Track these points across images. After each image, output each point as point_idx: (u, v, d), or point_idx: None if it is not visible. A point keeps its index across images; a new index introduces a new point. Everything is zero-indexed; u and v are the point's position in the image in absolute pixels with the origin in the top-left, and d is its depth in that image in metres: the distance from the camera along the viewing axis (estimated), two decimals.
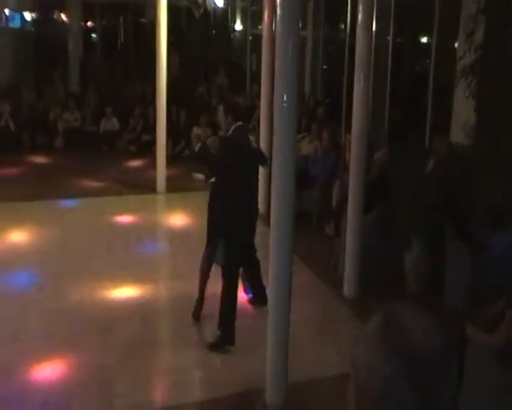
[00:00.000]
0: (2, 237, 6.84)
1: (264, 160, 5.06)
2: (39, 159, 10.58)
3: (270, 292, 4.06)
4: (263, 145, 7.95)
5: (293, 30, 3.85)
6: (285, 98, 3.81)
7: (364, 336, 1.05)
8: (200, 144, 4.81)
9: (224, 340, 4.59)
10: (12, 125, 11.16)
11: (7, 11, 14.82)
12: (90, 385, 4.18)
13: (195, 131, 5.31)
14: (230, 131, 4.76)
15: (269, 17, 7.89)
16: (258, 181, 5.41)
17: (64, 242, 6.76)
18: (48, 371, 4.36)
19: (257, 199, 5.14)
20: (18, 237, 6.91)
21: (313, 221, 7.26)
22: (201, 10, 11.55)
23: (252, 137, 5.00)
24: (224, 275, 4.66)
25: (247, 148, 4.78)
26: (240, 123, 4.78)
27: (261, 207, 7.84)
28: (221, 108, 11.50)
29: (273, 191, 3.95)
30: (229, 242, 4.69)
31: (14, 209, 7.83)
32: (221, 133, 5.98)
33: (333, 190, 6.96)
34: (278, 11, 3.83)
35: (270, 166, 4.57)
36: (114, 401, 4.03)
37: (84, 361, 4.44)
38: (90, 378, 4.25)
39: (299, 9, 3.96)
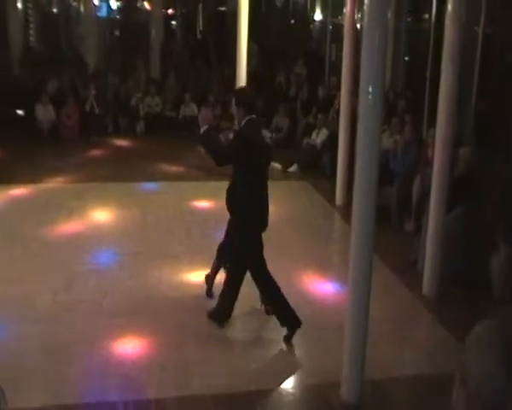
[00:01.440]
0: (87, 216, 7.18)
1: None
2: (122, 142, 11.00)
3: (349, 289, 4.02)
4: (343, 137, 7.87)
5: (382, 20, 3.77)
6: (370, 91, 3.74)
7: (476, 340, 1.00)
8: (206, 127, 4.50)
9: (219, 317, 4.78)
10: (97, 109, 11.64)
11: (95, 1, 15.39)
12: (167, 364, 4.33)
13: (203, 111, 4.82)
14: (242, 123, 4.50)
15: (351, 7, 7.75)
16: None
17: (144, 223, 7.01)
18: (128, 346, 4.55)
19: (267, 194, 4.73)
20: (101, 216, 7.23)
21: (392, 217, 7.12)
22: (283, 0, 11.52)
23: (266, 132, 4.71)
24: (227, 271, 4.76)
25: (259, 142, 4.49)
26: (252, 116, 4.51)
27: (339, 199, 7.81)
28: (299, 101, 11.52)
29: (356, 187, 3.90)
30: (235, 237, 4.67)
31: (97, 189, 8.20)
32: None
33: (413, 185, 6.79)
34: (366, 0, 3.76)
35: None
36: (191, 381, 4.16)
37: (163, 341, 4.60)
38: (168, 357, 4.40)
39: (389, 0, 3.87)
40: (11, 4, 14.75)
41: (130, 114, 11.74)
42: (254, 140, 4.46)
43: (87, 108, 11.49)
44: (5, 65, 13.45)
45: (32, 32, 16.61)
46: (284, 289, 5.38)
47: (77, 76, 12.69)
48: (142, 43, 16.06)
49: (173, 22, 19.62)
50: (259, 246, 4.70)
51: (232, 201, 4.69)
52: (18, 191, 8.02)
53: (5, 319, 4.80)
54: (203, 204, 7.77)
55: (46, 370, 4.22)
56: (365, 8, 3.78)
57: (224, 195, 8.07)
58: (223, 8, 19.56)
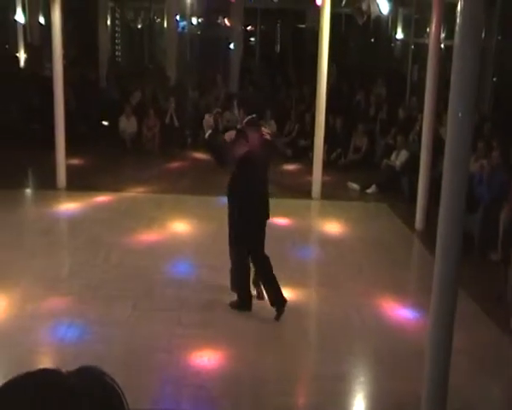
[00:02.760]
0: (166, 226, 7.43)
1: (276, 151, 5.27)
2: (201, 155, 11.30)
3: (430, 318, 3.92)
4: (424, 160, 7.73)
5: (475, 41, 3.65)
6: (460, 116, 3.65)
7: None
8: (210, 131, 5.00)
9: (241, 306, 5.22)
10: (176, 122, 12.05)
11: (177, 17, 16.00)
12: (243, 378, 4.39)
13: (207, 117, 5.24)
14: (243, 123, 4.99)
15: (437, 26, 7.60)
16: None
17: (221, 238, 7.05)
18: (204, 357, 4.65)
19: (267, 191, 5.19)
20: (179, 227, 7.46)
21: (476, 245, 6.89)
22: (365, 18, 11.51)
23: (265, 129, 5.13)
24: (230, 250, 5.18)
25: (258, 139, 4.95)
26: (251, 116, 4.97)
27: (419, 224, 7.65)
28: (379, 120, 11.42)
29: (441, 213, 3.81)
30: (230, 225, 5.14)
31: (176, 201, 8.49)
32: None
33: (500, 213, 6.54)
34: (458, 20, 3.66)
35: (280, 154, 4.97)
36: (265, 399, 4.19)
37: (240, 354, 4.67)
38: (244, 372, 4.46)
39: (483, 18, 3.76)
40: (102, 22, 15.66)
41: None
42: (252, 136, 4.92)
43: (167, 120, 11.92)
44: (94, 79, 14.25)
45: (118, 47, 17.52)
46: (358, 312, 5.36)
47: (158, 89, 13.22)
48: (221, 58, 16.53)
49: (252, 39, 20.03)
50: (253, 234, 5.15)
51: (231, 192, 5.17)
52: (102, 198, 8.44)
53: (89, 322, 5.03)
54: (279, 221, 7.82)
55: (124, 374, 4.37)
56: (457, 27, 3.71)
57: (301, 212, 8.23)
58: (302, 26, 19.77)
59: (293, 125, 11.73)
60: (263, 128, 5.22)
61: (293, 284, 5.87)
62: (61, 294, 5.51)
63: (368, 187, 9.27)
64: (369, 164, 10.15)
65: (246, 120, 5.01)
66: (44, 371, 0.85)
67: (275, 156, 5.46)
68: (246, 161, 4.92)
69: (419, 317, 5.28)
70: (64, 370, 0.85)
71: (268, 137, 5.11)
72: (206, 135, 5.06)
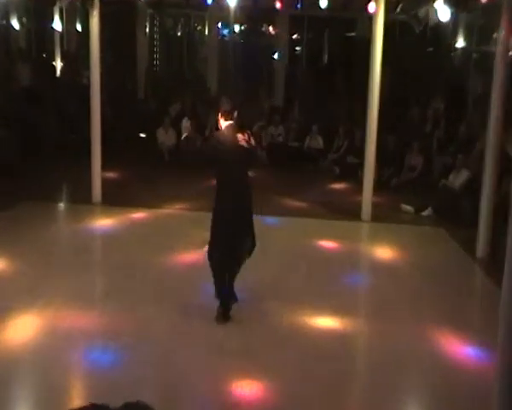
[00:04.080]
0: (205, 246, 7.47)
1: (252, 157, 5.90)
2: None
3: (498, 358, 3.80)
4: (487, 181, 7.57)
5: None
6: None
7: None
8: (186, 135, 5.76)
9: (224, 310, 5.62)
10: None
11: (219, 24, 16.24)
12: None
13: (185, 123, 6.13)
14: (222, 128, 5.70)
15: (507, 32, 7.44)
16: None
17: (263, 259, 7.13)
18: (246, 388, 4.63)
19: (248, 194, 5.77)
20: None
21: None
22: (422, 25, 11.45)
23: (240, 135, 5.64)
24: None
25: (232, 143, 5.58)
26: (229, 122, 5.70)
27: (480, 251, 7.49)
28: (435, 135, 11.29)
29: (511, 239, 3.72)
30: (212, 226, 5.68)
31: None
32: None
33: None
34: None
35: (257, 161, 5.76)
36: None
37: (284, 388, 4.64)
38: (285, 407, 4.43)
39: None
40: (140, 30, 16.07)
41: None
42: (226, 142, 5.59)
43: (206, 133, 12.09)
44: (132, 89, 14.62)
45: (156, 56, 17.92)
46: (413, 347, 5.25)
47: (198, 101, 13.44)
48: (265, 68, 16.70)
49: (298, 48, 20.14)
50: (221, 234, 5.65)
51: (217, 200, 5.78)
52: (138, 215, 8.61)
53: (124, 346, 5.10)
54: (328, 244, 7.81)
55: (162, 402, 4.41)
56: None
57: (350, 235, 8.19)
58: (351, 34, 19.78)
59: (342, 141, 11.73)
60: (239, 135, 5.70)
61: (340, 313, 5.84)
62: (95, 315, 5.62)
63: (423, 209, 9.15)
64: (425, 184, 10.01)
65: (225, 125, 5.69)
66: (94, 406, 0.89)
67: (251, 163, 5.93)
68: (217, 165, 5.61)
69: (483, 356, 5.15)
70: (112, 405, 0.89)
71: (244, 143, 5.65)
72: (182, 138, 5.77)
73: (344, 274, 6.91)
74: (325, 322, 5.70)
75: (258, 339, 5.31)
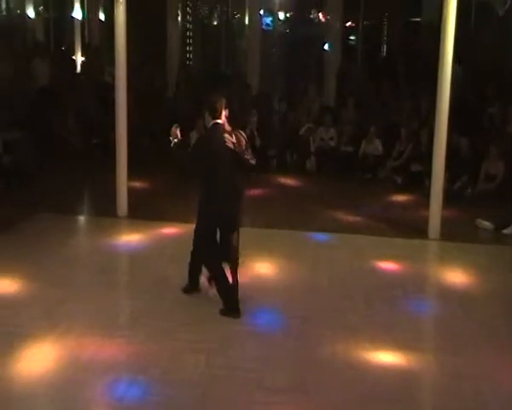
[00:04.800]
0: (246, 266, 7.50)
1: (242, 161, 6.10)
2: (287, 181, 11.47)
3: None
4: None
5: None
6: None
7: None
8: (176, 140, 6.18)
9: (228, 311, 6.25)
10: (258, 140, 12.27)
11: (261, 12, 16.30)
12: None
13: (173, 129, 6.33)
14: (208, 127, 6.12)
15: None
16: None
17: (314, 282, 7.18)
18: None
19: (228, 193, 6.19)
20: (262, 268, 7.56)
21: None
22: (508, 5, 11.24)
23: (228, 137, 6.01)
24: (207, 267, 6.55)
25: (220, 144, 5.97)
26: (217, 121, 6.06)
27: None
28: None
29: None
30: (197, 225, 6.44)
31: (258, 236, 8.58)
32: None
33: None
34: None
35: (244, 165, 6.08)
36: None
37: None
38: None
39: None
40: (171, 19, 16.29)
41: (298, 147, 12.21)
42: (214, 143, 6.00)
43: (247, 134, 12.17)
44: (162, 86, 14.83)
45: (189, 48, 18.16)
46: (492, 389, 5.15)
47: (237, 100, 13.53)
48: (314, 62, 16.73)
49: (352, 37, 20.10)
50: (212, 238, 6.38)
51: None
52: (169, 230, 8.74)
53: (153, 380, 5.15)
54: (388, 266, 7.75)
55: None
56: None
57: (415, 255, 8.12)
58: (416, 19, 19.59)
59: (405, 146, 11.66)
60: (226, 135, 6.03)
61: (403, 346, 5.79)
62: (121, 343, 5.71)
63: (504, 226, 9.01)
64: (507, 196, 9.84)
65: (211, 124, 6.07)
66: None
67: (240, 166, 6.17)
68: (204, 166, 6.04)
69: None
70: None
71: (230, 145, 6.01)
72: (172, 144, 6.22)
73: (407, 301, 6.84)
74: (385, 357, 5.64)
75: (309, 375, 5.30)
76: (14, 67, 13.91)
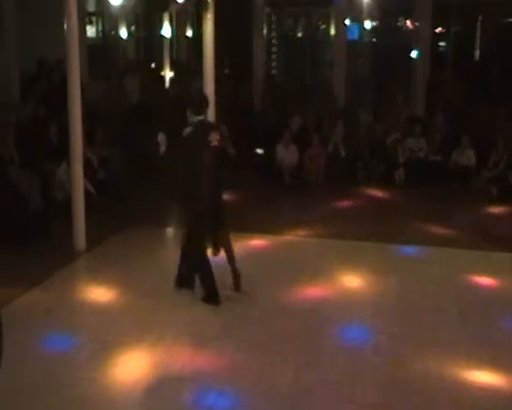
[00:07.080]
0: (334, 279, 7.51)
1: (225, 155, 6.46)
2: (375, 193, 11.36)
3: None
4: None
5: None
6: None
7: None
8: (163, 149, 6.54)
9: (209, 299, 6.66)
10: (342, 151, 12.24)
11: (347, 21, 16.23)
12: None
13: (161, 135, 6.59)
14: (192, 124, 6.26)
15: None
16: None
17: (403, 297, 7.06)
18: None
19: (219, 191, 6.62)
20: (351, 281, 7.51)
21: None
22: None
23: (214, 134, 6.21)
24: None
25: (204, 141, 6.16)
26: (201, 117, 6.26)
27: None
28: None
29: None
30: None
31: (345, 248, 8.57)
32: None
33: None
34: None
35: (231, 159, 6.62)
36: None
37: None
38: None
39: None
40: (257, 31, 16.47)
41: (386, 158, 12.07)
42: (197, 141, 6.20)
43: (329, 148, 12.16)
44: (248, 98, 15.00)
45: (274, 61, 18.30)
46: None
47: (323, 111, 13.54)
48: (402, 71, 16.47)
49: (442, 44, 19.63)
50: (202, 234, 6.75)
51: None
52: (255, 242, 8.81)
53: (241, 391, 5.21)
54: (484, 281, 7.53)
55: None
56: None
57: None
58: None
59: (501, 155, 11.35)
60: (212, 133, 6.21)
61: (503, 366, 5.59)
62: (210, 354, 5.80)
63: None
64: None
65: (194, 120, 6.24)
66: None
67: (224, 158, 6.40)
68: (187, 163, 6.26)
69: None
70: None
71: (216, 143, 6.21)
72: (161, 152, 6.57)
73: (506, 318, 6.61)
74: (484, 377, 5.46)
75: (400, 394, 5.20)
76: (108, 85, 14.45)
